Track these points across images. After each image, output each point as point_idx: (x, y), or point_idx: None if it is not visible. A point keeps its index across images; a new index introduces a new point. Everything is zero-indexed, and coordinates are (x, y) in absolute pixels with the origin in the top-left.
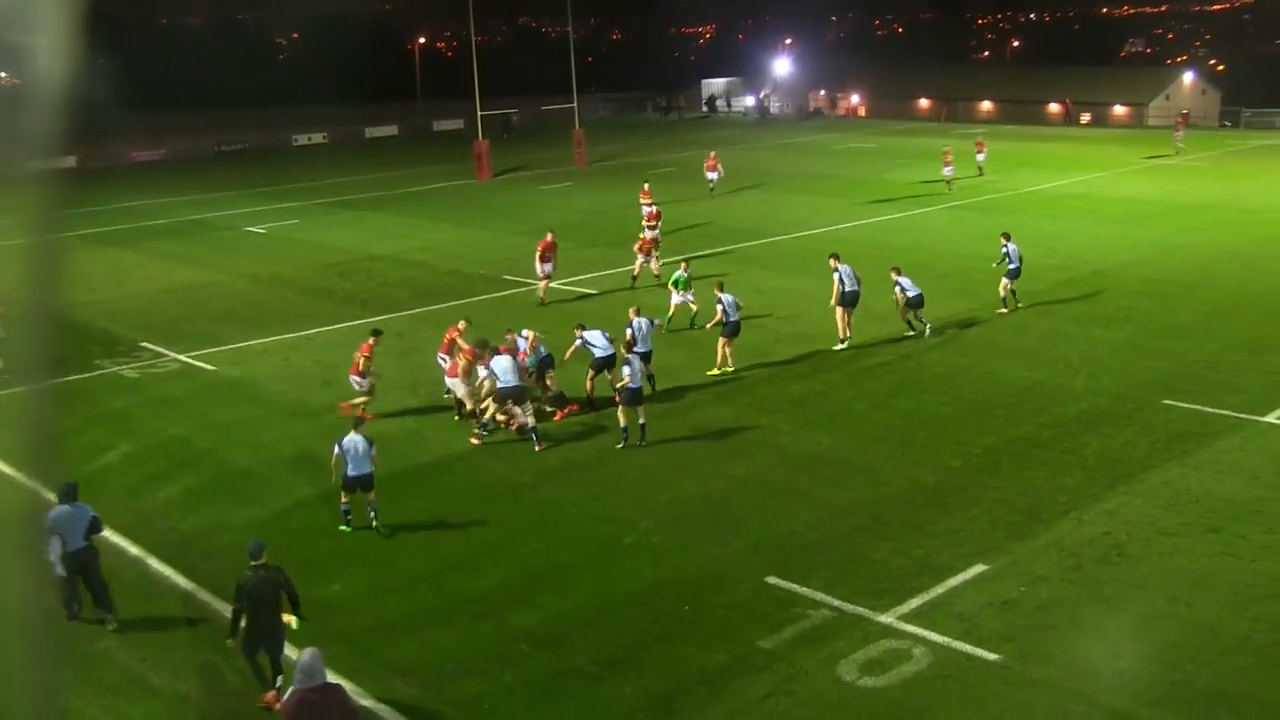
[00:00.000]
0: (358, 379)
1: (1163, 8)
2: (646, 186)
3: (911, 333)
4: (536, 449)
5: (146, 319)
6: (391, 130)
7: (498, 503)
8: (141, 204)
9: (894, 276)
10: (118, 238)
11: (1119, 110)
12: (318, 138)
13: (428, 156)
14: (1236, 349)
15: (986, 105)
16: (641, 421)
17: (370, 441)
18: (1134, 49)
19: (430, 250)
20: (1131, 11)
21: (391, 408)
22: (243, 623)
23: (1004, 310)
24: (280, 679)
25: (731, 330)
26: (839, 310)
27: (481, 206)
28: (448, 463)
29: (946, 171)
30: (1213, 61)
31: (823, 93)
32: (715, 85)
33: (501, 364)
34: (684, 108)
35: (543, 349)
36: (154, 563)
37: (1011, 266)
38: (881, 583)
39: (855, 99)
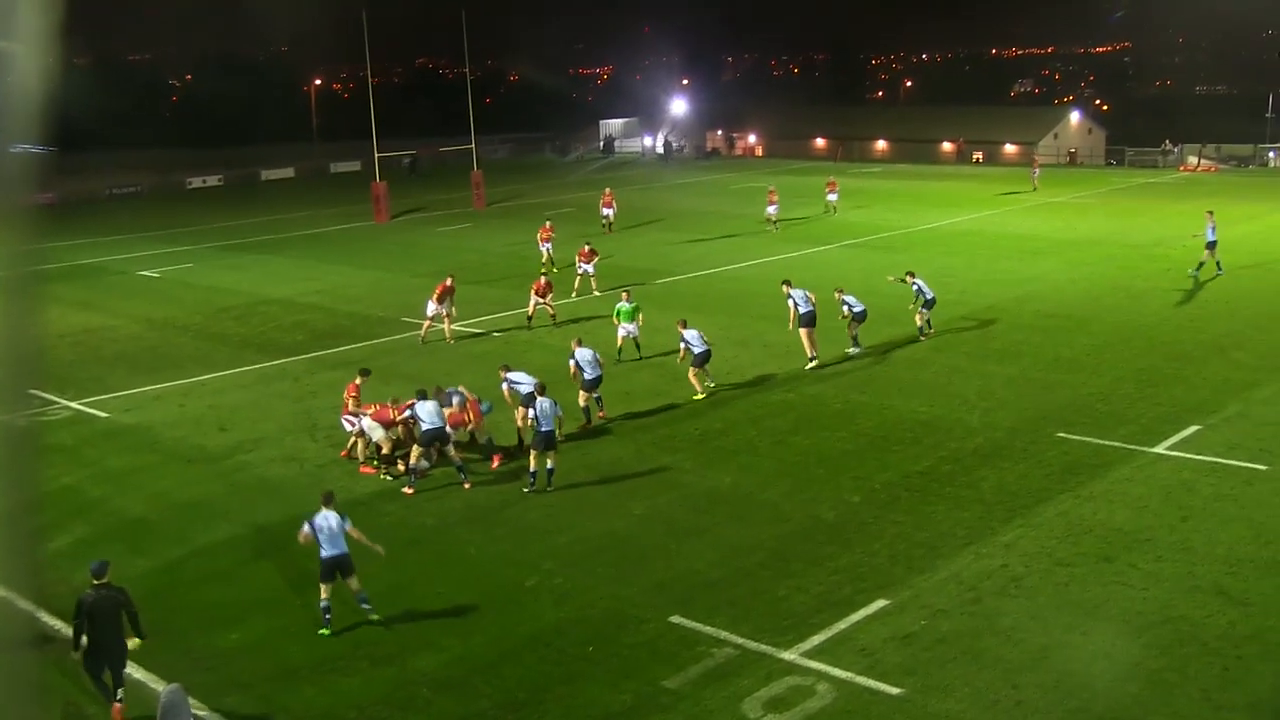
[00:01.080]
0: (350, 419)
1: (1049, 49)
2: (548, 224)
3: (854, 349)
4: (466, 486)
5: None
6: (288, 172)
7: (399, 547)
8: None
9: (838, 296)
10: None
11: (1010, 149)
12: (213, 180)
13: (325, 198)
14: (1126, 381)
15: (881, 144)
16: (550, 466)
17: (343, 515)
18: (1023, 89)
19: (327, 293)
20: (1020, 53)
21: (289, 452)
22: (84, 640)
23: (924, 338)
24: (122, 692)
25: (702, 359)
26: (802, 332)
27: (379, 248)
28: (348, 507)
29: (770, 211)
30: (1098, 101)
31: (720, 132)
32: (613, 126)
33: (426, 408)
34: (582, 148)
35: (485, 404)
36: (43, 616)
37: (927, 298)
38: (784, 619)
39: (752, 138)
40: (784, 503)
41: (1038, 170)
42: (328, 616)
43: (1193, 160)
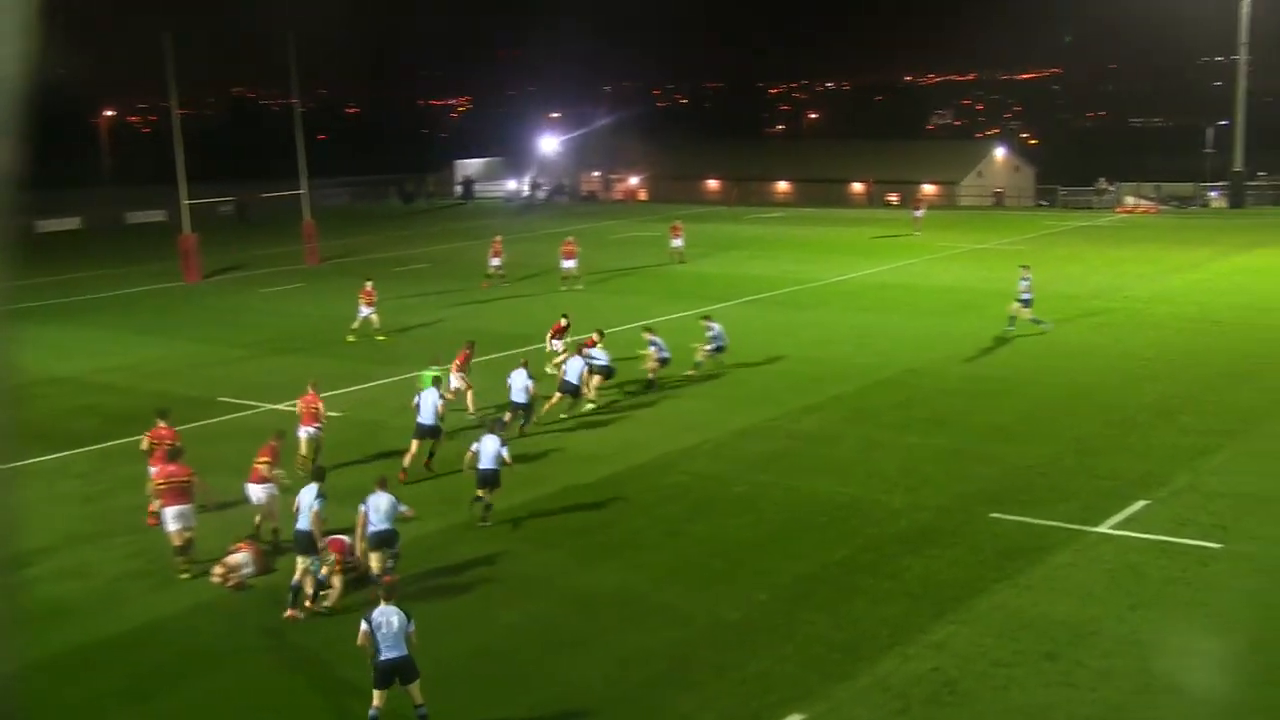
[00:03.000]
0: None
1: (970, 76)
2: (369, 286)
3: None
4: (287, 615)
5: None
6: (72, 223)
7: (218, 673)
8: None
9: (646, 336)
10: None
11: (929, 189)
12: None
13: (121, 254)
14: (1065, 452)
15: (783, 185)
16: (488, 503)
17: (407, 614)
18: (942, 121)
19: (125, 369)
20: (937, 80)
21: (76, 565)
22: None
23: (693, 372)
24: None
25: (602, 374)
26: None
27: (190, 314)
28: (152, 629)
29: (567, 266)
30: (1025, 135)
31: (597, 174)
32: (471, 166)
33: (304, 498)
34: (434, 193)
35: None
36: None
37: (716, 346)
38: None
39: (634, 180)
40: (681, 603)
41: (921, 211)
42: None
43: (1131, 201)
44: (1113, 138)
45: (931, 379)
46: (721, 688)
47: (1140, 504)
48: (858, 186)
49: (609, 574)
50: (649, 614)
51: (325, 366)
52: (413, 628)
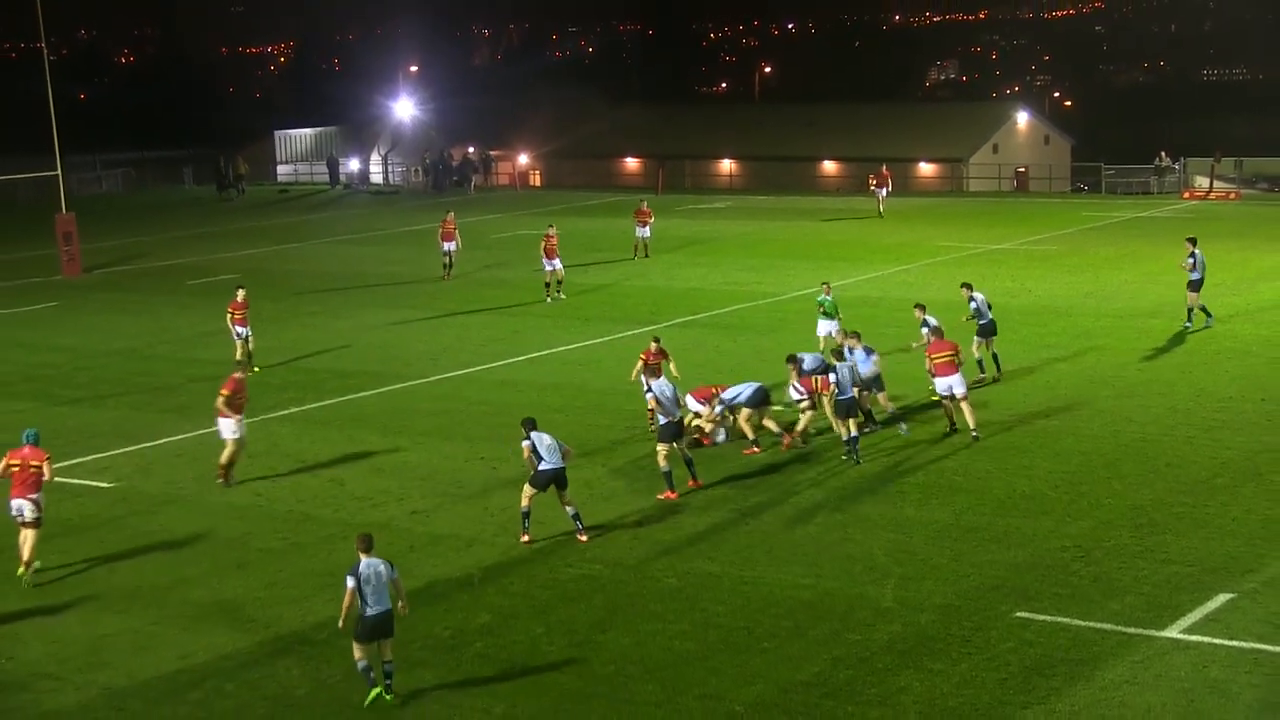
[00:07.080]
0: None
1: (980, 14)
2: (241, 296)
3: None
4: None
5: None
6: None
7: None
8: None
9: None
10: None
11: (925, 169)
12: None
13: None
14: (1118, 525)
15: (727, 165)
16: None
17: (390, 563)
18: (943, 77)
19: None
20: (937, 20)
21: None
22: None
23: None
24: None
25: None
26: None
27: None
28: None
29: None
30: (1057, 94)
31: (471, 149)
32: (300, 138)
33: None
34: (245, 176)
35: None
36: None
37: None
38: None
39: (523, 159)
40: None
41: (885, 190)
42: (372, 675)
43: (1202, 182)
44: (1177, 97)
45: (932, 428)
46: None
47: (1223, 598)
48: (829, 166)
49: (493, 701)
50: None
51: (99, 418)
52: (397, 575)
